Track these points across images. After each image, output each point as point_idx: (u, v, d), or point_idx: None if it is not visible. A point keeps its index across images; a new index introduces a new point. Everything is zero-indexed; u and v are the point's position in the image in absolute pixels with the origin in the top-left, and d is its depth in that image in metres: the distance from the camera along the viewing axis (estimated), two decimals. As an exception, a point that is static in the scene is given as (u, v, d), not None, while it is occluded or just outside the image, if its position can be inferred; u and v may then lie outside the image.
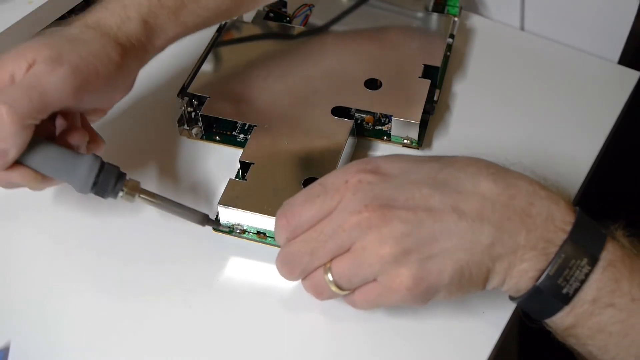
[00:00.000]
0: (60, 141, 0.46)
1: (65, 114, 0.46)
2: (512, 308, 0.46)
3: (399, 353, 0.45)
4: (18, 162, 0.43)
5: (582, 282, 0.38)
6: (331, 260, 0.40)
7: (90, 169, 0.44)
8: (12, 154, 0.42)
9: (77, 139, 0.46)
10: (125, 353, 0.45)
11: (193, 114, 0.57)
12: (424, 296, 0.39)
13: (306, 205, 0.41)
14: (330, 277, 0.40)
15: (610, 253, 0.39)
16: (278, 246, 0.48)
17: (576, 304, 0.39)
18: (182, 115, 0.57)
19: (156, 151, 0.57)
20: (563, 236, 0.39)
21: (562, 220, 0.39)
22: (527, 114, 0.59)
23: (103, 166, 0.45)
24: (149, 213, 0.52)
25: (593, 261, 0.38)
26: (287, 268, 0.42)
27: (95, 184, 0.45)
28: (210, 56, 0.60)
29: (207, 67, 0.58)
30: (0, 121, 0.41)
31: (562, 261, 0.38)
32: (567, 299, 0.39)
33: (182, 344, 0.45)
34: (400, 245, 0.38)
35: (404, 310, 0.46)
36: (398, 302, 0.40)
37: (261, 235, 0.50)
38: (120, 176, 0.46)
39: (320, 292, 0.41)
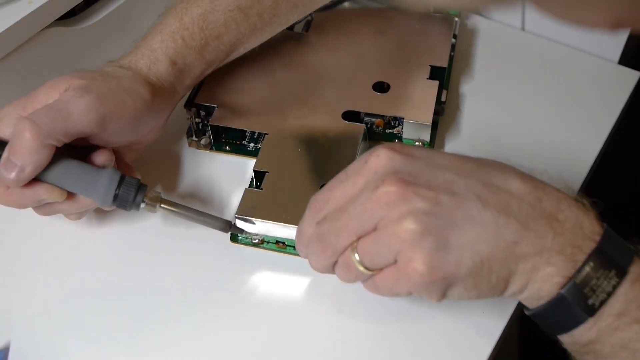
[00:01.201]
0: (86, 160, 0.47)
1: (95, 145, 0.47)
2: (513, 308, 0.46)
3: (399, 353, 0.45)
4: (39, 180, 0.45)
5: (609, 294, 0.37)
6: (358, 239, 0.39)
7: (110, 182, 0.45)
8: (29, 170, 0.43)
9: (102, 157, 0.47)
10: (126, 354, 0.45)
11: (201, 124, 0.57)
12: (438, 286, 0.38)
13: (331, 192, 0.41)
14: (357, 256, 0.39)
15: (638, 267, 0.38)
16: (298, 255, 0.47)
17: (601, 316, 0.37)
18: (190, 127, 0.57)
19: (166, 164, 0.57)
20: (592, 245, 0.37)
21: (591, 230, 0.38)
22: (526, 114, 0.59)
23: (123, 179, 0.46)
24: (168, 222, 0.52)
25: (621, 274, 0.37)
26: (320, 247, 0.41)
27: (116, 196, 0.45)
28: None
29: (212, 76, 0.57)
30: (22, 137, 0.43)
31: (590, 270, 0.37)
32: (592, 311, 0.37)
33: (196, 353, 0.45)
34: (418, 224, 0.37)
35: (404, 309, 0.46)
36: (413, 290, 0.39)
37: (280, 244, 0.49)
38: (141, 188, 0.46)
39: (349, 271, 0.40)
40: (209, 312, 0.47)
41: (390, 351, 0.45)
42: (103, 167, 0.46)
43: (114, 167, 0.47)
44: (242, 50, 0.55)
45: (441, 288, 0.38)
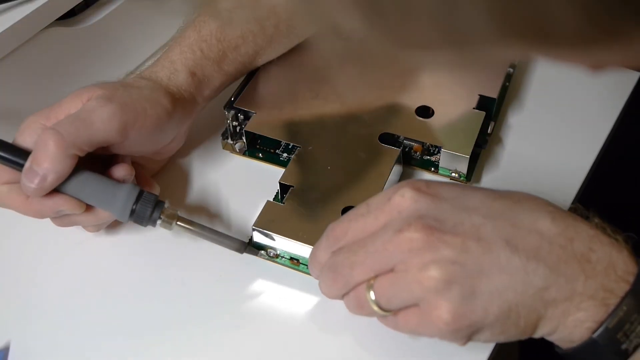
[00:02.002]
0: (105, 174, 0.47)
1: (116, 157, 0.48)
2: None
3: (399, 352, 0.45)
4: (59, 191, 0.45)
5: None
6: (375, 277, 0.39)
7: (128, 197, 0.46)
8: (51, 179, 0.43)
9: (122, 171, 0.47)
10: (127, 355, 0.45)
11: (238, 128, 0.56)
12: (463, 333, 0.37)
13: (350, 223, 0.40)
14: (372, 295, 0.39)
15: None
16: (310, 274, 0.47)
17: None
18: (226, 129, 0.56)
19: (198, 162, 0.56)
20: (625, 287, 0.36)
21: (625, 270, 0.37)
22: (524, 113, 0.59)
23: (141, 195, 0.46)
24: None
25: None
26: (332, 277, 0.40)
27: (133, 212, 0.46)
28: (260, 71, 0.58)
29: (256, 81, 0.57)
30: (45, 146, 0.43)
31: (623, 314, 0.36)
32: (625, 356, 0.36)
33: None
34: (443, 274, 0.36)
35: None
36: (436, 335, 0.38)
37: (294, 261, 0.49)
38: (158, 204, 0.47)
39: (361, 307, 0.40)
40: (211, 320, 0.47)
41: (390, 350, 0.45)
42: (122, 181, 0.47)
43: (134, 182, 0.47)
44: (260, 62, 0.55)
45: (467, 334, 0.38)
